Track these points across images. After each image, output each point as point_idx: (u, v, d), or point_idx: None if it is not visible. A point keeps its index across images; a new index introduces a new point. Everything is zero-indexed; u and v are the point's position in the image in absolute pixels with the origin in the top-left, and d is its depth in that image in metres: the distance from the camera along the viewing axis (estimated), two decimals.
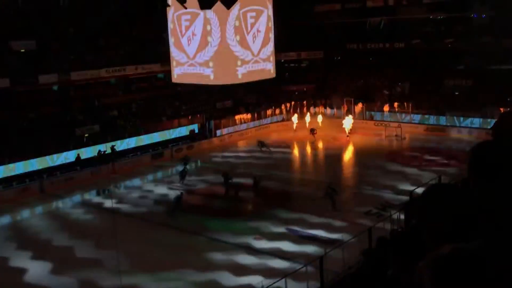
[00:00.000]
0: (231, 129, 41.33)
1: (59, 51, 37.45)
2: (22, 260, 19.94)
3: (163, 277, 18.09)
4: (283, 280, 14.32)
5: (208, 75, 19.22)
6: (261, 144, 35.26)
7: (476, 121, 37.95)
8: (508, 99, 36.03)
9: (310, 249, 19.21)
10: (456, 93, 41.99)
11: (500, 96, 37.20)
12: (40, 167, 31.01)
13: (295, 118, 42.02)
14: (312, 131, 38.24)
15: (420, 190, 17.89)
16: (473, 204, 1.60)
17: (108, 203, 25.26)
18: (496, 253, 1.31)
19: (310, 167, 33.74)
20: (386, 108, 42.50)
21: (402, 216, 15.73)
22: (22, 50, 36.25)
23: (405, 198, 20.84)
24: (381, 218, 19.42)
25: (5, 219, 25.72)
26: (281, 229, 21.85)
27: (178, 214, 24.08)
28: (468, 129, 37.85)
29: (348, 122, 39.01)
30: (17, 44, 35.89)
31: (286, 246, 20.11)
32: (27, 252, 20.75)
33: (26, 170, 30.34)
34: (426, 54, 44.12)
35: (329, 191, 24.01)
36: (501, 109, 30.84)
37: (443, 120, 40.09)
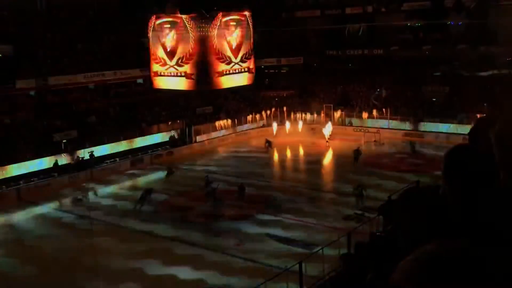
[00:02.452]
0: (211, 135, 41.23)
1: (37, 56, 37.00)
2: None
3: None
4: (263, 284, 14.29)
5: (188, 81, 19.23)
6: (268, 143, 37.19)
7: (453, 127, 38.46)
8: (484, 105, 36.56)
9: (289, 253, 19.22)
10: (434, 99, 42.55)
11: (476, 102, 37.78)
12: (17, 173, 30.56)
13: (274, 124, 42.08)
14: (269, 143, 37.63)
15: (398, 195, 18.02)
16: (448, 208, 1.62)
17: (85, 210, 24.96)
18: (485, 254, 1.26)
19: (290, 173, 33.77)
20: (364, 115, 42.84)
21: (381, 221, 15.82)
22: None
23: (383, 202, 20.96)
24: (360, 223, 19.52)
25: None
26: (261, 234, 21.87)
27: (157, 217, 24.10)
28: (445, 134, 38.32)
29: (327, 128, 39.18)
30: None
31: (266, 250, 20.11)
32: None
33: (3, 177, 29.86)
34: (404, 61, 44.62)
35: (356, 153, 32.18)
36: (478, 115, 31.29)
37: (421, 126, 40.62)
